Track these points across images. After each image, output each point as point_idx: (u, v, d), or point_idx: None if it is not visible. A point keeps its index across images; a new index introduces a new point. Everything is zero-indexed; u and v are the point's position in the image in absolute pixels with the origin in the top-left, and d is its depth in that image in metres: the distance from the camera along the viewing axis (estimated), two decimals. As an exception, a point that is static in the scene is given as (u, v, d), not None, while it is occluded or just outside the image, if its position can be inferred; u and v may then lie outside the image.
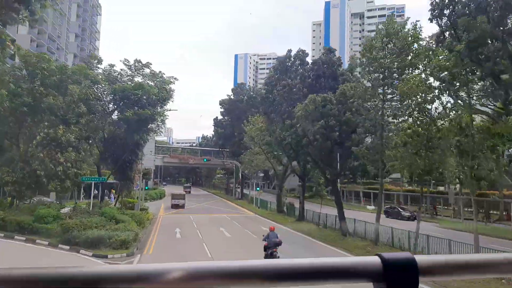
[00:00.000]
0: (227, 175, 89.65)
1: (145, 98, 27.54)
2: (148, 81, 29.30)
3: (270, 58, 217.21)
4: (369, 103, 24.46)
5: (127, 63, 28.90)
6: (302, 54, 35.64)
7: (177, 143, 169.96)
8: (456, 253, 14.93)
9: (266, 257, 16.35)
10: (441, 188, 48.74)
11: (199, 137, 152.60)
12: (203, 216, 39.97)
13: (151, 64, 30.63)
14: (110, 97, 28.60)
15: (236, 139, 65.79)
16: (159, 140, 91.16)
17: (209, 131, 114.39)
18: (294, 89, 31.87)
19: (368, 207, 51.59)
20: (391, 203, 50.86)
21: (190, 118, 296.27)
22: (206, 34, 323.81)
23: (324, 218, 31.40)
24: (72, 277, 0.66)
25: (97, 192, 34.96)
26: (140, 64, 29.19)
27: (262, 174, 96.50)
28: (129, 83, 28.54)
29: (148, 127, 31.33)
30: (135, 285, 0.68)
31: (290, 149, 31.48)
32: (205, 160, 70.23)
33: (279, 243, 16.64)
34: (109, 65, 29.05)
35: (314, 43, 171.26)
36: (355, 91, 24.30)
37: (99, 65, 28.73)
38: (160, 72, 30.16)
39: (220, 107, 76.66)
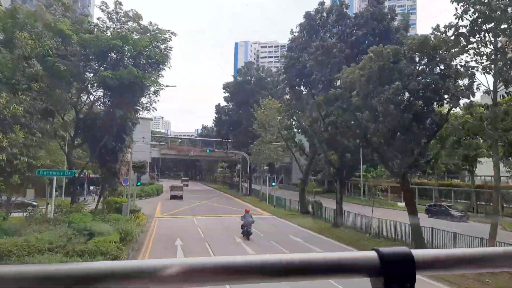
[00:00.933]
0: (230, 168, 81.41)
1: (129, 54, 19.24)
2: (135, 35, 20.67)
3: (271, 46, 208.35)
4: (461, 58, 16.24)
5: (106, 8, 20.19)
6: (340, 5, 26.95)
7: (175, 135, 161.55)
8: None
9: (243, 233, 22.33)
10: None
11: (198, 129, 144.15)
12: (209, 218, 31.76)
13: (141, 16, 22.05)
14: (82, 54, 19.76)
15: (243, 126, 57.40)
16: (156, 131, 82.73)
17: (209, 122, 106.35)
18: (334, 50, 23.52)
19: (399, 204, 43.57)
20: (428, 200, 42.99)
21: (188, 110, 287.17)
22: (200, 23, 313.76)
23: (376, 224, 23.19)
24: (67, 274, 0.65)
25: (74, 188, 26.85)
26: (123, 12, 20.60)
27: (266, 167, 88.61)
28: (108, 34, 19.97)
29: (136, 98, 22.54)
30: (133, 281, 0.67)
31: (334, 130, 23.13)
32: (208, 150, 62.00)
33: (252, 222, 22.52)
34: (82, 14, 20.60)
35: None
36: (441, 41, 16.08)
37: (67, 13, 19.99)
38: (152, 23, 21.51)
39: (224, 92, 68.27)
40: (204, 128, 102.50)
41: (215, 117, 74.43)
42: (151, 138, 72.80)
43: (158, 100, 23.78)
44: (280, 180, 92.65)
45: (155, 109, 24.20)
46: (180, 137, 78.37)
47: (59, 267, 0.66)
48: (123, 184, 31.71)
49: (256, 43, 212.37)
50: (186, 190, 61.35)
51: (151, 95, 23.10)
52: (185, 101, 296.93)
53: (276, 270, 0.72)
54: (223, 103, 71.50)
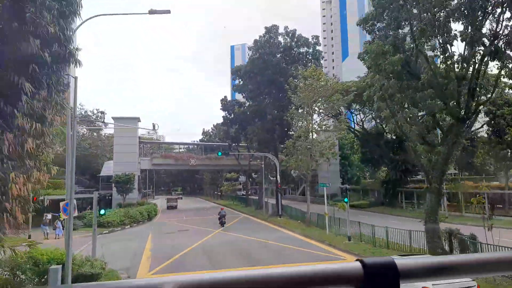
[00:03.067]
0: (249, 178, 64.76)
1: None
2: None
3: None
4: None
5: None
6: None
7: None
8: None
9: (220, 223, 33.44)
10: None
11: (195, 140, 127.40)
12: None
13: None
14: None
15: (266, 118, 41.06)
16: (145, 138, 65.82)
17: (197, 137, 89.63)
18: None
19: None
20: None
21: (182, 123, 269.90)
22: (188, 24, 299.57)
23: None
24: None
25: None
26: None
27: (272, 178, 73.94)
28: None
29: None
30: None
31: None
32: (219, 154, 45.11)
33: (225, 215, 34.37)
34: None
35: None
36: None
37: None
38: None
39: (235, 79, 52.14)
40: (205, 133, 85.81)
41: (223, 116, 58.16)
42: (139, 144, 56.08)
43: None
44: (301, 191, 75.96)
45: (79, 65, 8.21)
46: (177, 142, 61.21)
47: None
48: (63, 216, 14.91)
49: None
50: (186, 209, 49.26)
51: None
52: (179, 114, 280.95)
53: (260, 283, 0.73)
54: (231, 97, 55.40)
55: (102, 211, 16.85)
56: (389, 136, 55.43)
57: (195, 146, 68.94)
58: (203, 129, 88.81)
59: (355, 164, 70.37)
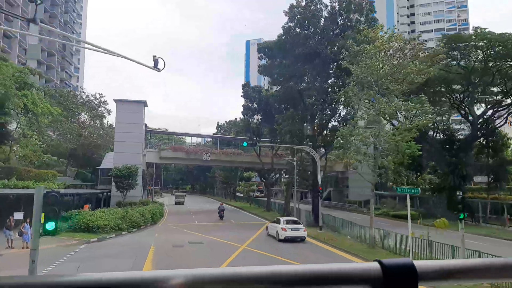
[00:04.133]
0: (274, 178, 56.66)
1: None
2: None
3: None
4: None
5: None
6: None
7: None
8: None
9: (219, 216, 38.33)
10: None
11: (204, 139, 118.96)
12: None
13: None
14: None
15: (308, 102, 32.53)
16: (152, 129, 57.73)
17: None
18: None
19: None
20: None
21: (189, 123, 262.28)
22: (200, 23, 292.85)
23: None
24: (66, 285, 0.65)
25: None
26: None
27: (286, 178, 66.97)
28: None
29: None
30: None
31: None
32: (245, 144, 36.73)
33: (224, 209, 38.53)
34: None
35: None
36: None
37: None
38: None
39: (261, 57, 44.12)
40: (219, 127, 77.61)
41: (244, 104, 49.96)
42: (145, 132, 48.08)
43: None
44: (327, 196, 67.31)
45: None
46: (190, 134, 52.85)
47: (57, 279, 0.65)
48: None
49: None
50: (197, 211, 45.68)
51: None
52: (187, 109, 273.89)
53: (277, 280, 0.73)
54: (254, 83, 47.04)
55: (51, 225, 8.54)
56: (436, 134, 46.94)
57: (209, 140, 60.63)
58: (218, 122, 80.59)
59: (389, 166, 61.45)
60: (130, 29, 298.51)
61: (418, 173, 54.71)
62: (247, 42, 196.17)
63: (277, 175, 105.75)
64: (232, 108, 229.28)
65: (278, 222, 25.53)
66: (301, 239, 24.09)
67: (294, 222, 25.50)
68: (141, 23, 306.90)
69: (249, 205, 60.25)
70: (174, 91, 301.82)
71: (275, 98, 36.38)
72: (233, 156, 52.25)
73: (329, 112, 31.90)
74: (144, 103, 45.47)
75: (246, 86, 49.08)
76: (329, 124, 33.81)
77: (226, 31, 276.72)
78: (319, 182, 30.37)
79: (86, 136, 53.45)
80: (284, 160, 53.15)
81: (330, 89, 30.82)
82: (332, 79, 29.99)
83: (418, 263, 0.76)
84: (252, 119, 50.48)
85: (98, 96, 59.69)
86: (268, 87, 54.22)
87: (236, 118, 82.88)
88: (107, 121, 61.71)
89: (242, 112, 50.53)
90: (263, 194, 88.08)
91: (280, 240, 23.85)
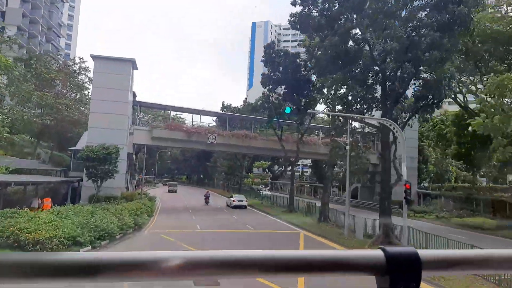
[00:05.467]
0: (285, 171, 45.68)
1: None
2: None
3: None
4: None
5: None
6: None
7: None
8: None
9: (205, 202, 43.49)
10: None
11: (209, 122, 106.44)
12: None
13: None
14: None
15: (389, 47, 20.88)
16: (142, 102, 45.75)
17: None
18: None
19: None
20: None
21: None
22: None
23: None
24: (65, 263, 0.64)
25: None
26: None
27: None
28: None
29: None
30: (133, 272, 0.67)
31: None
32: (288, 110, 23.71)
33: (209, 196, 46.35)
34: None
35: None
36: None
37: None
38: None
39: (294, 4, 32.21)
40: (225, 108, 65.91)
41: (263, 73, 38.42)
42: (133, 103, 36.47)
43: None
44: (354, 193, 56.02)
45: None
46: (192, 109, 40.74)
47: (57, 256, 0.64)
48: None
49: (276, 25, 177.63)
50: (198, 209, 35.58)
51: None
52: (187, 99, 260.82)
53: (280, 265, 0.72)
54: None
55: None
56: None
57: (217, 118, 48.91)
58: (223, 102, 68.87)
59: (435, 159, 50.48)
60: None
61: (476, 168, 43.70)
62: (253, 24, 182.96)
63: (282, 167, 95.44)
64: (233, 101, 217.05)
65: (231, 197, 43.98)
66: (244, 207, 41.18)
67: (240, 197, 43.77)
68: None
69: (261, 203, 48.87)
70: (167, 81, 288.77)
71: (321, 55, 24.65)
72: (246, 140, 40.73)
73: (413, 70, 20.35)
74: (132, 62, 33.67)
75: (269, 47, 37.45)
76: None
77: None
78: (404, 176, 19.00)
79: (59, 109, 41.70)
80: (312, 144, 41.90)
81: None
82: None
83: (422, 252, 0.76)
84: (274, 92, 39.03)
85: (78, 61, 47.83)
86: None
87: (246, 99, 71.43)
88: (89, 93, 49.84)
89: (261, 82, 39.00)
90: (268, 188, 77.29)
91: (229, 206, 41.90)
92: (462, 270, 0.82)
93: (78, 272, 0.64)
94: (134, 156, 47.80)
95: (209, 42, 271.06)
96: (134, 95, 36.99)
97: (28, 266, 0.62)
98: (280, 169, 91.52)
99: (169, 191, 66.65)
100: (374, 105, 22.97)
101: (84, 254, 0.67)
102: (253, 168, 79.62)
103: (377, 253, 0.75)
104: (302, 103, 36.70)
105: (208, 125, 45.09)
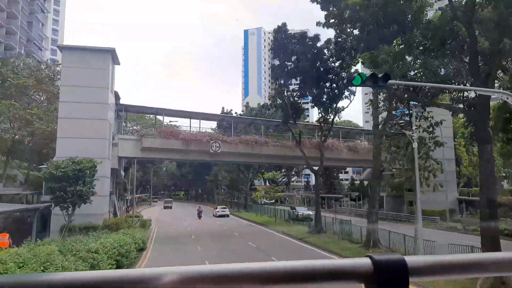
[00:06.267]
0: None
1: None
2: None
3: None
4: None
5: None
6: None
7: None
8: None
9: (198, 217, 44.99)
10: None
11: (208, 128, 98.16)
12: None
13: None
14: None
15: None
16: (128, 105, 38.61)
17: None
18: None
19: None
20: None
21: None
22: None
23: None
24: (64, 283, 0.64)
25: None
26: None
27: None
28: None
29: None
30: None
31: None
32: (357, 80, 18.03)
33: (202, 211, 46.65)
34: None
35: None
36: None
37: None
38: None
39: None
40: (226, 114, 58.86)
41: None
42: (116, 109, 29.39)
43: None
44: (380, 204, 48.99)
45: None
46: (190, 111, 33.46)
47: (51, 277, 0.64)
48: None
49: (269, 32, 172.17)
50: (200, 232, 29.53)
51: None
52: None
53: (269, 277, 0.73)
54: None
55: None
56: None
57: (217, 125, 41.84)
58: (222, 108, 61.85)
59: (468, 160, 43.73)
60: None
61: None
62: (246, 32, 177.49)
63: (285, 178, 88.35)
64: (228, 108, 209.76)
65: (216, 208, 52.97)
66: (227, 215, 49.50)
67: (223, 207, 53.58)
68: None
69: (275, 220, 41.63)
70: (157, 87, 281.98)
71: (369, 18, 17.78)
72: (255, 147, 33.73)
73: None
74: (111, 53, 26.60)
75: (280, 31, 30.73)
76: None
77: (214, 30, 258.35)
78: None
79: (29, 121, 34.56)
80: (334, 149, 35.15)
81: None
82: None
83: (409, 259, 0.76)
84: (286, 88, 32.28)
85: (51, 64, 40.79)
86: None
87: (248, 104, 64.58)
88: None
89: (272, 76, 32.23)
90: (272, 201, 70.25)
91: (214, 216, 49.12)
92: (449, 274, 0.81)
93: None
94: (123, 173, 40.54)
95: (200, 53, 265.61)
96: (117, 96, 29.90)
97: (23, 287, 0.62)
98: (283, 179, 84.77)
99: (164, 207, 70.78)
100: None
101: (73, 274, 0.65)
102: (277, 178, 73.48)
103: (364, 261, 0.75)
104: (325, 96, 30.03)
105: (209, 131, 38.06)
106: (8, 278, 0.63)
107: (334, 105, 31.04)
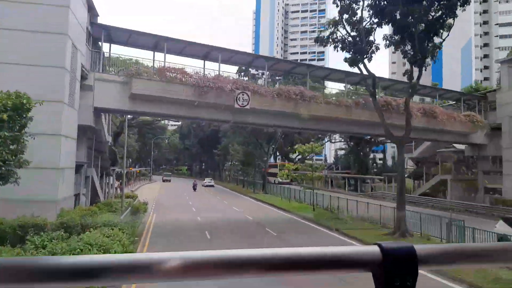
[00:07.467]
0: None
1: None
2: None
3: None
4: None
5: None
6: None
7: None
8: None
9: (193, 189, 48.89)
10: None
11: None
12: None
13: None
14: None
15: None
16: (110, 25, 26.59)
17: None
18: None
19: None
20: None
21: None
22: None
23: None
24: (66, 267, 0.64)
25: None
26: None
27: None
28: None
29: None
30: (133, 274, 0.66)
31: None
32: None
33: (196, 184, 51.16)
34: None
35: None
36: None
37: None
38: None
39: None
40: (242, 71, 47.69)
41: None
42: (89, 30, 17.97)
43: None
44: (439, 189, 38.02)
45: None
46: (203, 43, 21.74)
47: (58, 260, 0.64)
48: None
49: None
50: (209, 221, 23.29)
51: None
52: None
53: (276, 264, 0.72)
54: None
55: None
56: None
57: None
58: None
59: None
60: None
61: None
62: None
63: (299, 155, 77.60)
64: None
65: (204, 180, 63.58)
66: (212, 185, 59.79)
67: (209, 179, 65.73)
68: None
69: (313, 209, 30.86)
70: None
71: None
72: (300, 103, 22.59)
73: None
74: None
75: None
76: None
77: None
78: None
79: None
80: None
81: None
82: None
83: (418, 247, 0.75)
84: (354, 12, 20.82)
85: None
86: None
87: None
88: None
89: (339, 12, 20.82)
90: (288, 181, 59.55)
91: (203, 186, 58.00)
92: (459, 264, 0.81)
93: (75, 275, 0.63)
94: (110, 138, 29.59)
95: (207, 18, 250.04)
96: (93, 11, 18.48)
97: (25, 270, 0.61)
98: (298, 156, 74.12)
99: (163, 180, 72.35)
100: None
101: (81, 258, 0.65)
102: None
103: (373, 249, 0.74)
104: (417, 25, 18.77)
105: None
106: (11, 261, 0.62)
107: (431, 41, 19.71)
